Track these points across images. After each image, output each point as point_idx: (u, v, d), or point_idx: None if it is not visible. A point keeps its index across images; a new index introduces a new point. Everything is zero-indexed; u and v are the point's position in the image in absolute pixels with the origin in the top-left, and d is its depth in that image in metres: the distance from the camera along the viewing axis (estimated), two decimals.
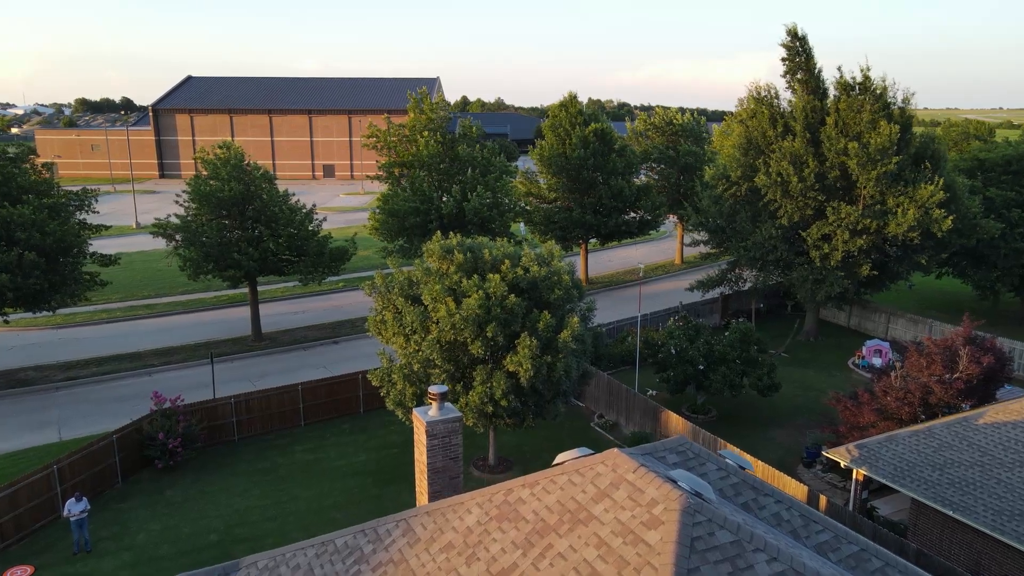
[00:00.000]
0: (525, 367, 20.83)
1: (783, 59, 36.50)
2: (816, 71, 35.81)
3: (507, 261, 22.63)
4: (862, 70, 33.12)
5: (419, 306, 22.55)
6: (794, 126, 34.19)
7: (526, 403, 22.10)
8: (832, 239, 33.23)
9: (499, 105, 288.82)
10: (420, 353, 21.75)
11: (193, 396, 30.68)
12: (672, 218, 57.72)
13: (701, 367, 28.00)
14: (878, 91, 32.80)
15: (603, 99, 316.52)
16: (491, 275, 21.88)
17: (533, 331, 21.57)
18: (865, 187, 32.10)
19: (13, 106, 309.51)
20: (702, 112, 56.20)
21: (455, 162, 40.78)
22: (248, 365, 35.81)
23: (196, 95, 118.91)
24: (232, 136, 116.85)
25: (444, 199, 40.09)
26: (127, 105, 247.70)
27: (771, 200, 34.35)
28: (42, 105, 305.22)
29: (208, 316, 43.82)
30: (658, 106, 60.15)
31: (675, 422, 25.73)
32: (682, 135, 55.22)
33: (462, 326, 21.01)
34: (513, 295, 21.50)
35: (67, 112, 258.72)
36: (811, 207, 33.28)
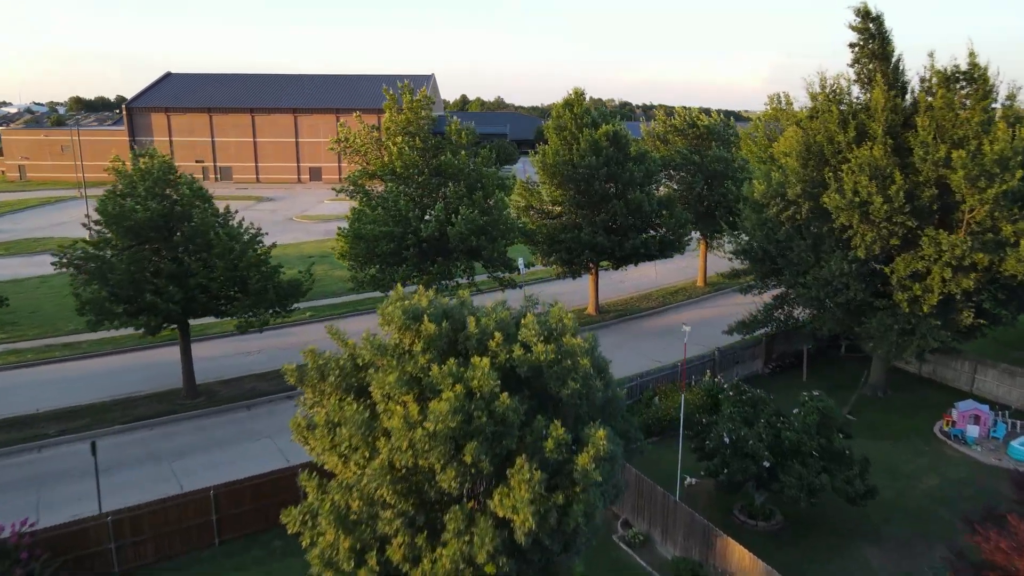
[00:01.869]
0: (523, 515, 13.17)
1: (851, 44, 28.87)
2: (895, 60, 28.19)
3: (498, 335, 14.99)
4: (970, 55, 25.41)
5: (365, 402, 14.91)
6: (872, 128, 26.46)
7: (527, 560, 14.43)
8: (926, 277, 25.49)
9: (499, 104, 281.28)
10: (363, 484, 14.09)
11: (88, 485, 23.07)
12: (695, 233, 50.00)
13: (767, 464, 20.29)
14: (989, 84, 25.10)
15: (604, 98, 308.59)
16: (476, 359, 14.23)
17: (535, 451, 13.91)
18: (975, 210, 24.36)
19: (8, 104, 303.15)
20: (704, 111, 48.32)
21: (438, 174, 33.11)
22: (170, 435, 28.08)
23: (174, 93, 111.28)
24: (212, 137, 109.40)
25: (426, 219, 32.42)
26: (121, 103, 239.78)
27: (843, 225, 26.62)
28: (38, 104, 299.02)
29: (141, 358, 36.09)
30: (661, 105, 52.56)
31: (738, 557, 17.99)
32: (708, 138, 47.50)
33: (426, 446, 13.35)
34: (506, 393, 13.85)
35: (61, 111, 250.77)
36: (898, 235, 25.53)
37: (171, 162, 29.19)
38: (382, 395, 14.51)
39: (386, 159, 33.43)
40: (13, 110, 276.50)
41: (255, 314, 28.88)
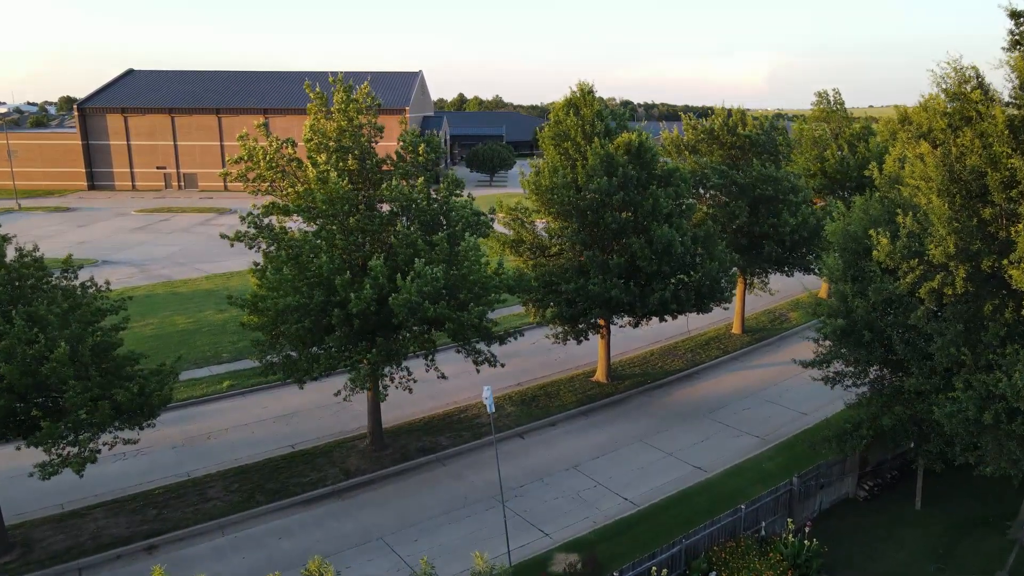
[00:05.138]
0: None
1: (1015, 14, 18.20)
2: None
3: None
4: None
5: None
6: None
7: None
8: None
9: (498, 103, 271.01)
10: None
11: None
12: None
13: None
14: None
15: (605, 96, 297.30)
16: None
17: None
18: None
19: (1, 104, 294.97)
20: (706, 111, 37.17)
21: (378, 212, 22.50)
22: None
23: (135, 91, 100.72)
24: (174, 140, 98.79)
25: (365, 280, 21.63)
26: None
27: None
28: (31, 104, 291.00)
29: None
30: (663, 103, 41.88)
31: None
32: (750, 150, 36.76)
33: None
34: None
35: (51, 111, 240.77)
36: None
37: None
38: None
39: (300, 188, 22.88)
40: (3, 109, 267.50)
41: (76, 442, 18.20)
